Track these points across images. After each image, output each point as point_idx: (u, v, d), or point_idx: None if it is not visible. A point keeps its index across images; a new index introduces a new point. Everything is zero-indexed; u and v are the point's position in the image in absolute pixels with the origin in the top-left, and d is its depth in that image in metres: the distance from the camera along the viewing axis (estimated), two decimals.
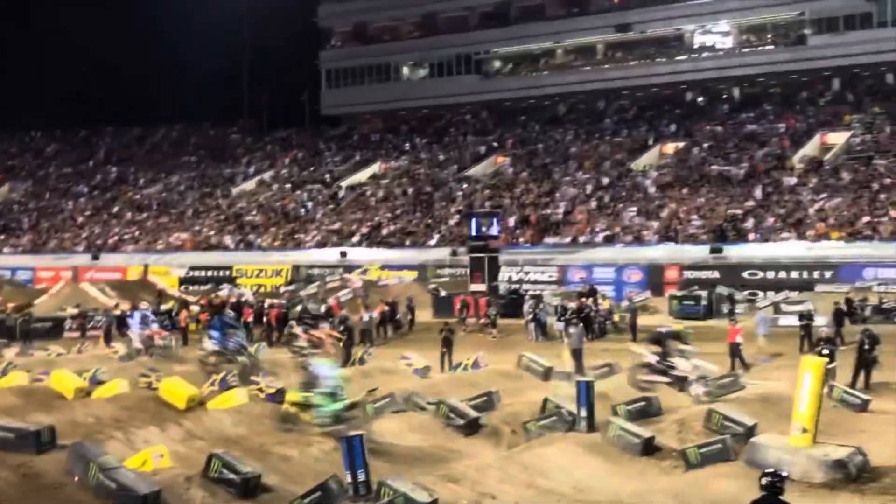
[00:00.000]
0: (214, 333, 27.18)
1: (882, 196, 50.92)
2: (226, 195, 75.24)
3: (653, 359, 23.28)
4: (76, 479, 14.91)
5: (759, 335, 32.03)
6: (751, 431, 18.37)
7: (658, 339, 23.81)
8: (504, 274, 49.11)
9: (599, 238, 54.69)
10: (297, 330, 30.71)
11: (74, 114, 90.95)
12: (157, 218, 73.13)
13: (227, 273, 59.00)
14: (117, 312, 39.72)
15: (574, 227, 56.96)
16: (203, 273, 59.77)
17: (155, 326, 32.52)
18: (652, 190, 58.86)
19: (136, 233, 70.94)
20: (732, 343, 28.58)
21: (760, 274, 46.80)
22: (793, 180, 55.16)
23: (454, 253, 55.02)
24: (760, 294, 43.99)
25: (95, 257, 66.13)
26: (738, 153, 60.83)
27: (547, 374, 26.41)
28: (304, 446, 17.96)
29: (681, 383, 22.75)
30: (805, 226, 50.03)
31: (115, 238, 70.44)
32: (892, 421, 19.83)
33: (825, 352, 23.17)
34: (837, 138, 59.69)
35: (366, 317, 37.54)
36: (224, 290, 50.65)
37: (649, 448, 18.17)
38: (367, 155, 77.63)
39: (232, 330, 27.72)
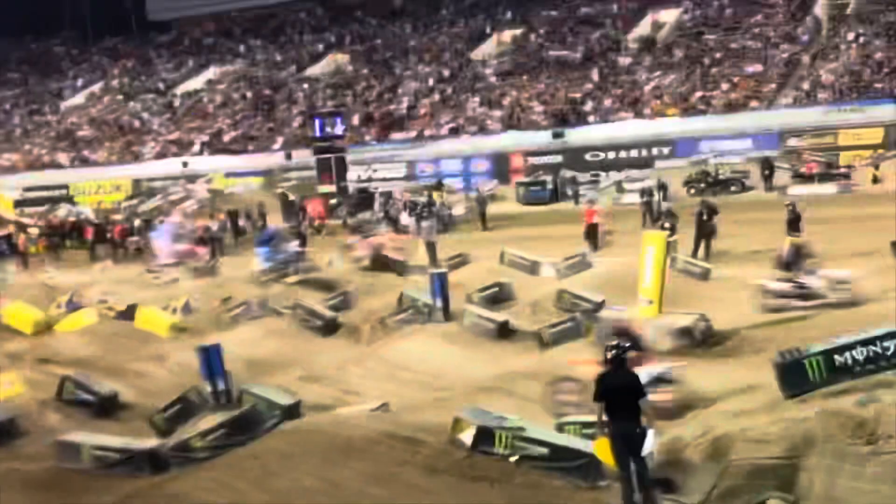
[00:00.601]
0: (262, 250, 26.18)
1: (714, 70, 52.46)
2: (55, 111, 72.09)
3: (782, 285, 19.06)
4: None
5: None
6: (599, 307, 18.98)
7: (790, 261, 19.55)
8: (353, 173, 48.81)
9: (445, 130, 54.86)
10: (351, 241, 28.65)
11: None
12: None
13: (65, 192, 56.88)
14: None
15: (419, 121, 56.91)
16: (39, 194, 57.39)
17: None
18: (493, 79, 59.12)
19: None
20: (590, 224, 28.92)
21: (602, 155, 47.90)
22: (627, 60, 56.24)
23: (288, 157, 54.51)
24: (603, 175, 45.05)
25: None
26: (573, 37, 61.48)
27: (402, 269, 26.57)
28: (161, 361, 17.71)
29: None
30: (642, 104, 51.26)
31: None
32: (732, 287, 20.83)
33: (666, 225, 24.04)
34: (668, 16, 60.85)
35: (214, 226, 36.80)
36: (62, 210, 48.83)
37: (505, 332, 18.61)
38: (201, 60, 75.21)
39: (278, 242, 26.48)
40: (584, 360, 13.66)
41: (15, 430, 14.30)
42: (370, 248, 26.99)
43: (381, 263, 26.32)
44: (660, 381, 12.75)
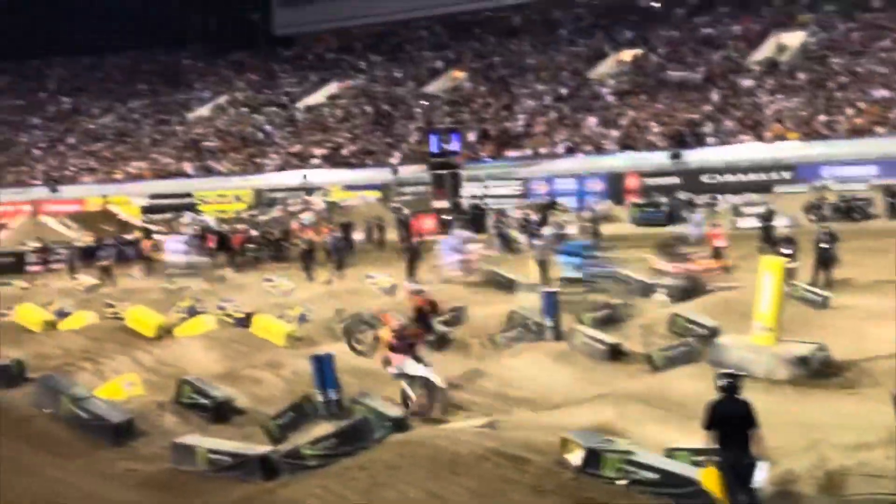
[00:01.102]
0: (569, 259, 25.40)
1: (838, 94, 51.14)
2: (182, 122, 74.37)
3: None
4: (47, 411, 14.91)
5: (692, 237, 32.01)
6: (714, 333, 18.68)
7: None
8: (467, 189, 49.08)
9: (560, 149, 54.72)
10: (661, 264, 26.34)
11: (23, 44, 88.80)
12: (113, 148, 72.24)
13: (189, 200, 58.54)
14: (81, 244, 39.42)
15: (534, 139, 56.91)
16: (164, 201, 59.28)
17: None
18: (610, 98, 58.77)
19: (93, 163, 70.07)
20: (715, 248, 28.28)
21: (720, 177, 47.13)
22: (749, 82, 55.25)
23: (395, 172, 55.17)
24: (720, 197, 44.32)
25: (54, 190, 65.38)
26: (694, 57, 60.72)
27: (512, 286, 26.57)
28: (276, 368, 18.07)
29: None
30: (762, 127, 50.28)
31: (73, 170, 69.57)
32: (853, 316, 20.25)
33: (785, 251, 23.51)
34: (793, 38, 59.65)
35: (330, 238, 37.35)
36: (186, 218, 50.34)
37: (615, 354, 18.48)
38: (323, 75, 76.73)
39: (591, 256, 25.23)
40: None
41: (133, 431, 14.69)
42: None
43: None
44: None
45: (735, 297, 21.59)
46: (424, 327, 17.79)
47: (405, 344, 15.49)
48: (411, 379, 15.22)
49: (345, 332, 20.00)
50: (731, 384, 9.63)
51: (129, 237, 42.67)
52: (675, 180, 47.66)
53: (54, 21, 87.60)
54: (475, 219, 42.87)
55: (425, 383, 15.17)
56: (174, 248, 32.44)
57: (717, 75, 57.07)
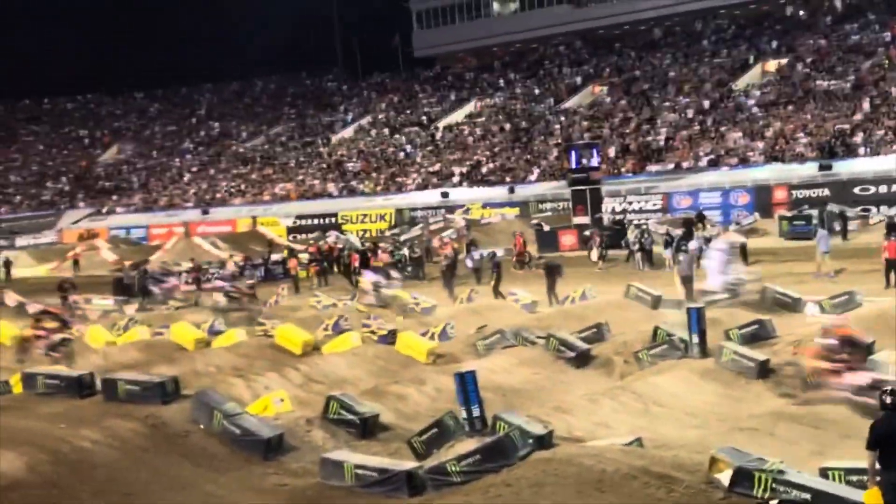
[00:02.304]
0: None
1: None
2: (326, 143, 76.17)
3: None
4: (201, 426, 15.41)
5: (819, 251, 30.95)
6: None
7: None
8: (607, 205, 48.64)
9: (704, 162, 53.72)
10: None
11: (174, 73, 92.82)
12: (261, 170, 74.51)
13: (333, 220, 59.80)
14: (232, 265, 40.59)
15: (676, 153, 56.04)
16: (309, 221, 60.74)
17: None
18: (755, 109, 57.41)
19: (242, 186, 72.40)
20: (891, 258, 26.85)
21: (872, 189, 45.35)
22: None
23: (511, 190, 55.14)
24: (874, 210, 42.68)
25: (205, 212, 67.82)
26: (842, 66, 58.78)
27: (656, 302, 26.17)
28: (419, 385, 18.23)
29: None
30: None
31: (223, 192, 71.98)
32: None
33: None
34: None
35: (476, 255, 37.50)
36: (331, 237, 51.40)
37: (765, 371, 17.97)
38: (463, 94, 77.44)
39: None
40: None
41: (283, 446, 14.99)
42: None
43: None
44: None
45: (891, 311, 20.70)
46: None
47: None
48: None
49: None
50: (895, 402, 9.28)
51: (276, 257, 43.84)
52: (825, 192, 46.12)
53: (202, 49, 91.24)
54: (615, 234, 42.38)
55: None
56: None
57: (867, 83, 55.10)
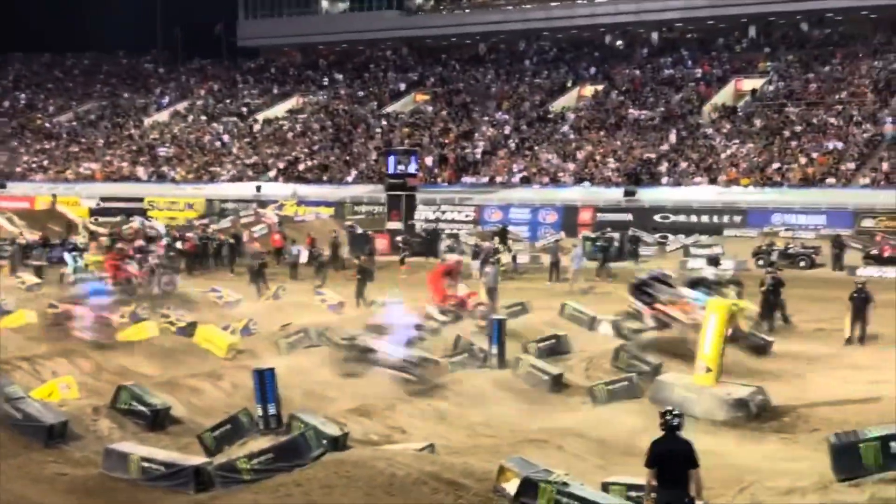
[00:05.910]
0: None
1: (792, 143, 52.01)
2: (138, 126, 73.73)
3: None
4: None
5: (572, 268, 33.35)
6: (657, 370, 18.78)
7: None
8: (421, 213, 49.08)
9: (517, 179, 55.02)
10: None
11: None
12: (66, 147, 71.44)
13: (139, 205, 57.91)
14: (23, 242, 38.79)
15: (491, 167, 57.16)
16: (114, 205, 58.54)
17: None
18: (569, 132, 59.23)
19: (45, 162, 69.21)
20: None
21: (672, 217, 47.62)
22: (706, 126, 56.01)
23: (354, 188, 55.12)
24: (671, 237, 44.75)
25: (2, 185, 64.41)
26: (654, 97, 61.44)
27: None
28: (216, 379, 17.88)
29: None
30: (717, 171, 50.96)
31: (23, 166, 68.63)
32: (794, 363, 20.50)
33: (732, 294, 23.70)
34: (752, 85, 60.59)
35: (294, 251, 37.10)
36: (135, 222, 49.71)
37: (558, 384, 18.51)
38: (286, 89, 76.59)
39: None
40: None
41: (67, 434, 14.46)
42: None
43: None
44: None
45: (679, 336, 21.65)
46: None
47: None
48: None
49: None
50: (671, 423, 9.67)
51: (76, 239, 42.00)
52: (628, 216, 48.05)
53: (15, 16, 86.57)
54: (426, 242, 42.81)
55: None
56: None
57: (675, 116, 57.79)
